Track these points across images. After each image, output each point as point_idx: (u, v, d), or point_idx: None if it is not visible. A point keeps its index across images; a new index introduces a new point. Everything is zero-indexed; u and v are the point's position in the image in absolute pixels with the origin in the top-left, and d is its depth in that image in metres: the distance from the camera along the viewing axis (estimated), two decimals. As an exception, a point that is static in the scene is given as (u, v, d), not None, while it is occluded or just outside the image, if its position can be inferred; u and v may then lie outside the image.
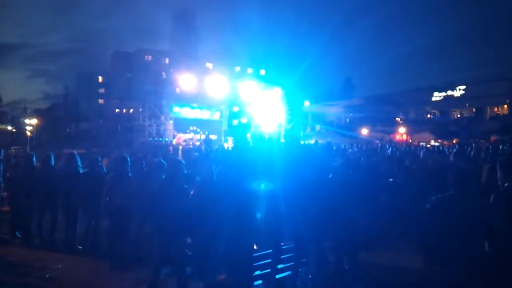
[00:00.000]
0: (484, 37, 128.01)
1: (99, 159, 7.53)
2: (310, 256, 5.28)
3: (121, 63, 72.91)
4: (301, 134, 33.01)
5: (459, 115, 49.58)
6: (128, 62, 71.65)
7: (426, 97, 51.81)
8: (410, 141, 37.00)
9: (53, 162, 7.52)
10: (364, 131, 40.19)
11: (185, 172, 5.92)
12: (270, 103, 29.40)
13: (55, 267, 5.97)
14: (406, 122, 46.42)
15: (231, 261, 4.53)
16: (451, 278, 3.26)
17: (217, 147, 19.47)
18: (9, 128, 54.85)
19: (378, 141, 24.41)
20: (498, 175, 3.73)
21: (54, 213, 7.34)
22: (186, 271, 5.04)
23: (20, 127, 51.90)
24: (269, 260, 4.98)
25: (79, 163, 7.39)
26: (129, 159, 6.92)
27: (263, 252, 5.03)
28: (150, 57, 70.96)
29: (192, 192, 5.19)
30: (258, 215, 5.04)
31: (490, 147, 14.52)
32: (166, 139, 28.21)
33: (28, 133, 47.05)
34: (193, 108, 29.65)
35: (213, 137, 28.72)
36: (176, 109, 28.84)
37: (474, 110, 47.94)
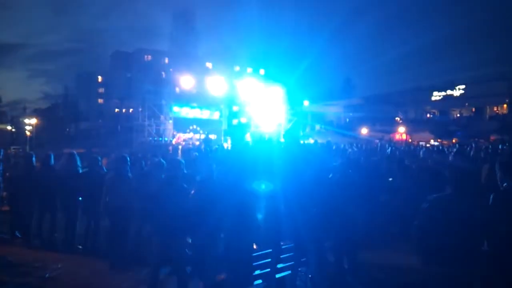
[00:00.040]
0: (483, 36, 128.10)
1: (99, 159, 7.53)
2: (310, 255, 5.28)
3: (121, 63, 72.82)
4: (301, 133, 33.02)
5: (458, 115, 49.59)
6: (128, 62, 71.56)
7: (426, 96, 51.84)
8: (410, 140, 37.00)
9: (52, 161, 7.52)
10: (364, 131, 40.20)
11: (185, 172, 5.93)
12: (270, 102, 29.41)
13: (55, 266, 5.97)
14: (406, 122, 46.44)
15: (231, 261, 4.53)
16: (450, 278, 3.26)
17: (216, 146, 19.46)
18: (9, 128, 54.85)
19: (377, 141, 24.40)
20: (497, 175, 3.73)
21: (53, 213, 7.34)
22: (186, 271, 5.04)
23: (20, 127, 51.90)
24: (269, 260, 4.98)
25: (79, 163, 7.39)
26: (128, 159, 6.93)
27: (262, 252, 5.03)
28: (149, 57, 70.88)
29: (192, 192, 5.19)
30: (258, 215, 5.04)
31: (490, 146, 14.53)
32: (166, 139, 28.22)
33: (28, 133, 47.06)
34: (192, 107, 29.66)
35: (212, 136, 28.73)
36: (175, 108, 28.84)
37: (473, 109, 47.96)
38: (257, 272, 4.84)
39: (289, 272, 5.16)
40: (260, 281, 4.85)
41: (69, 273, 5.85)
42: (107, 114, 65.48)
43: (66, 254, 6.74)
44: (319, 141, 16.48)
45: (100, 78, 76.55)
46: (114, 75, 73.07)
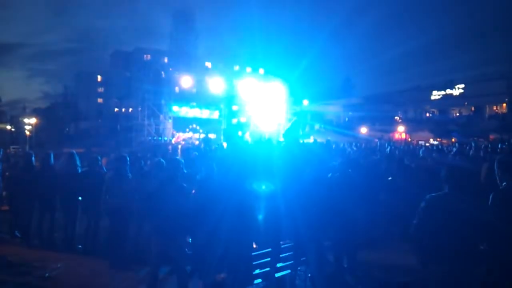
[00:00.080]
0: (483, 36, 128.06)
1: (99, 158, 7.53)
2: (310, 255, 5.28)
3: (120, 62, 72.76)
4: (300, 133, 32.99)
5: (458, 114, 49.64)
6: (127, 62, 71.43)
7: (425, 96, 51.92)
8: (409, 139, 37.04)
9: (52, 161, 7.52)
10: (363, 130, 40.25)
11: (185, 171, 5.93)
12: (270, 101, 29.41)
13: (55, 266, 5.97)
14: (405, 121, 46.50)
15: (231, 260, 4.54)
16: (449, 277, 3.27)
17: (215, 146, 19.46)
18: (8, 127, 54.89)
19: (377, 140, 24.42)
20: (497, 174, 3.74)
21: (53, 212, 7.34)
22: (186, 270, 5.04)
23: (19, 127, 51.90)
24: (269, 259, 4.98)
25: (78, 162, 7.39)
26: (128, 158, 6.93)
27: (262, 251, 5.04)
28: (149, 56, 70.76)
29: (193, 191, 5.19)
30: (258, 215, 5.04)
31: (489, 145, 14.53)
32: (165, 138, 28.24)
33: (27, 133, 47.06)
34: (192, 107, 29.66)
35: (212, 136, 28.73)
36: (175, 108, 28.85)
37: (473, 108, 48.02)
38: (257, 271, 4.84)
39: (288, 271, 5.16)
40: (259, 280, 4.86)
41: (68, 273, 5.85)
42: (106, 114, 65.44)
43: (65, 253, 6.74)
44: (319, 140, 16.48)
45: (99, 78, 76.42)
46: (114, 75, 72.99)
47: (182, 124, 30.68)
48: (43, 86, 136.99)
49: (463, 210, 3.27)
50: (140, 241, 6.29)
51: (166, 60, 68.73)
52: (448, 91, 49.96)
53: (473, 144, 15.07)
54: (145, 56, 71.10)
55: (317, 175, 5.67)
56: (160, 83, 29.26)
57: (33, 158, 7.63)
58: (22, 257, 6.44)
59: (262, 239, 5.21)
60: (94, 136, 47.60)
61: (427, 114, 53.29)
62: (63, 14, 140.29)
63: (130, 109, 52.13)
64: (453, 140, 31.56)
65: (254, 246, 5.15)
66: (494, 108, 46.43)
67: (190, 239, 5.61)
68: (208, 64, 64.17)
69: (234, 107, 30.24)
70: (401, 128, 39.63)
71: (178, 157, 8.25)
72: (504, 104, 44.43)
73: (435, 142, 32.26)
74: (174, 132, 29.83)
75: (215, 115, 30.66)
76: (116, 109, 66.51)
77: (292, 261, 5.21)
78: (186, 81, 26.99)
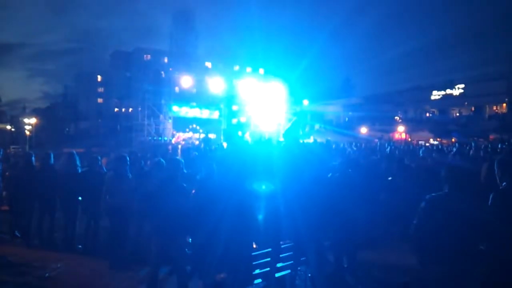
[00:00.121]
0: (483, 36, 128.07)
1: (99, 158, 7.53)
2: (310, 255, 5.28)
3: (120, 63, 72.70)
4: (300, 133, 33.02)
5: (458, 114, 49.64)
6: (127, 62, 71.41)
7: (425, 96, 51.90)
8: (409, 140, 37.04)
9: (52, 161, 7.52)
10: (363, 130, 40.26)
11: (185, 171, 5.93)
12: (270, 101, 29.41)
13: (55, 266, 5.98)
14: (405, 121, 46.50)
15: (231, 260, 4.54)
16: (449, 277, 3.27)
17: (215, 146, 19.45)
18: (8, 127, 54.89)
19: (377, 140, 24.44)
20: (497, 174, 3.73)
21: (53, 212, 7.34)
22: (186, 270, 5.04)
23: (19, 127, 51.88)
24: (269, 259, 4.98)
25: (78, 162, 7.39)
26: (128, 158, 6.92)
27: (262, 251, 5.04)
28: (149, 56, 70.78)
29: (193, 191, 5.19)
30: (259, 215, 5.05)
31: (489, 145, 14.53)
32: (165, 138, 28.24)
33: (27, 133, 47.04)
34: (192, 107, 29.67)
35: (212, 136, 28.75)
36: (175, 108, 28.85)
37: (473, 108, 48.01)
38: (257, 271, 4.84)
39: (288, 271, 5.16)
40: (259, 280, 4.86)
41: (68, 273, 5.85)
42: (106, 114, 65.45)
43: (65, 253, 6.74)
44: (318, 140, 16.49)
45: (99, 78, 76.41)
46: (114, 75, 72.96)
47: (182, 124, 30.71)
48: (43, 86, 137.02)
49: (463, 210, 3.27)
50: (140, 241, 6.29)
51: (166, 60, 68.76)
52: (448, 91, 49.94)
53: (473, 144, 15.07)
54: (145, 56, 71.09)
55: (317, 175, 5.67)
56: (160, 83, 29.28)
57: (33, 158, 7.63)
58: (22, 257, 6.45)
59: (262, 239, 5.21)
60: (94, 136, 47.58)
61: (427, 114, 53.27)
62: (63, 14, 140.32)
63: (130, 109, 52.16)
64: (453, 140, 31.58)
65: (254, 246, 5.15)
66: (494, 108, 46.41)
67: (190, 239, 5.60)
68: (208, 64, 64.18)
69: (234, 107, 30.26)
70: (401, 128, 39.64)
71: (178, 157, 8.25)
72: (504, 104, 44.41)
73: (435, 142, 32.27)
74: (174, 132, 29.84)
75: (215, 115, 30.67)
76: (116, 109, 66.55)
77: (292, 261, 5.21)
78: (186, 81, 27.00)
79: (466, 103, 48.00)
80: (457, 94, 49.00)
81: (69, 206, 7.14)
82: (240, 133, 21.95)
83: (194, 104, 29.63)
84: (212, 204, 4.49)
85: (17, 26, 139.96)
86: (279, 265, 5.07)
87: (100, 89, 76.03)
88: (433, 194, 3.54)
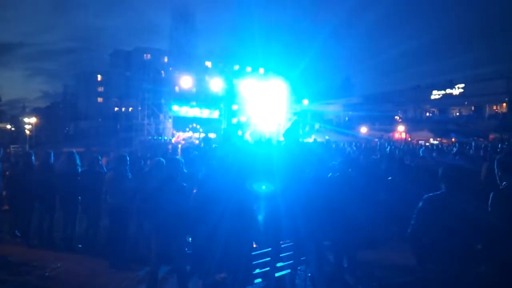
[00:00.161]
0: (483, 35, 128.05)
1: (99, 158, 7.53)
2: (310, 254, 5.28)
3: (120, 62, 72.59)
4: (300, 132, 32.97)
5: (458, 114, 49.66)
6: (127, 61, 71.29)
7: (425, 95, 51.93)
8: (409, 139, 37.06)
9: (52, 160, 7.51)
10: (363, 130, 40.27)
11: (185, 171, 5.93)
12: (270, 101, 29.40)
13: (55, 265, 5.98)
14: (405, 121, 46.54)
15: (231, 259, 4.54)
16: (448, 277, 3.27)
17: (214, 145, 19.43)
18: (8, 127, 54.85)
19: (377, 140, 24.45)
20: (496, 173, 3.73)
21: (53, 211, 7.34)
22: (186, 270, 5.04)
23: (19, 126, 51.88)
24: (269, 259, 4.98)
25: (78, 162, 7.38)
26: (128, 158, 6.93)
27: (262, 251, 5.04)
28: (149, 56, 70.70)
29: (194, 190, 5.19)
30: (258, 215, 5.05)
31: (489, 145, 14.53)
32: (165, 138, 28.23)
33: (27, 132, 47.00)
34: (192, 106, 29.67)
35: (212, 135, 28.74)
36: (175, 107, 28.85)
37: (473, 108, 48.04)
38: (257, 270, 4.84)
39: (288, 271, 5.16)
40: (259, 279, 4.86)
41: (68, 272, 5.85)
42: (106, 113, 65.36)
43: (65, 253, 6.75)
44: (318, 139, 16.48)
45: (99, 77, 76.35)
46: (114, 74, 72.88)
47: (182, 123, 30.72)
48: (43, 86, 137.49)
49: (461, 209, 3.26)
50: (140, 241, 6.29)
51: (166, 59, 68.65)
52: (448, 90, 49.97)
53: (473, 144, 15.07)
54: (145, 55, 71.02)
55: (317, 175, 5.67)
56: (160, 83, 29.28)
57: (33, 158, 7.63)
58: (22, 256, 6.45)
59: (262, 239, 5.22)
60: (94, 135, 47.64)
61: (427, 114, 53.32)
62: (63, 13, 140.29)
63: (130, 109, 52.14)
64: (453, 140, 31.60)
65: (254, 245, 5.15)
66: (494, 108, 46.45)
67: (190, 239, 5.61)
68: (208, 64, 63.98)
69: (234, 107, 30.26)
70: (401, 128, 39.64)
71: (178, 157, 8.24)
72: (504, 104, 44.43)
73: (435, 142, 32.28)
74: (174, 132, 29.85)
75: (215, 114, 30.67)
76: (116, 109, 66.47)
77: (292, 261, 5.21)
78: (186, 81, 26.99)
79: (466, 102, 48.03)
80: (457, 93, 49.04)
81: (69, 206, 7.14)
82: (240, 132, 21.93)
83: (194, 103, 29.63)
84: (212, 204, 4.49)
85: (16, 25, 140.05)
86: (279, 264, 5.07)
87: (100, 89, 75.97)
88: (430, 194, 3.53)
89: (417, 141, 33.86)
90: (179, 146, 22.31)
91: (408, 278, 4.79)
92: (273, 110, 29.59)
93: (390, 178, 7.38)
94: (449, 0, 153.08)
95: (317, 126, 45.33)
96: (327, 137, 18.73)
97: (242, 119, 30.01)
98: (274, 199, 5.15)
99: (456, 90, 49.16)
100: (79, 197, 7.14)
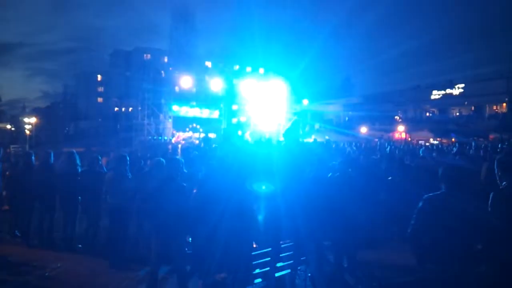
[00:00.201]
0: (483, 35, 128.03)
1: (99, 158, 7.53)
2: (310, 254, 5.28)
3: (120, 62, 72.57)
4: (300, 132, 32.96)
5: (458, 114, 49.66)
6: (127, 61, 71.27)
7: (425, 95, 51.94)
8: (409, 139, 37.06)
9: (52, 160, 7.51)
10: (363, 130, 40.28)
11: (185, 171, 5.93)
12: (270, 101, 29.40)
13: (55, 265, 5.98)
14: (405, 121, 46.54)
15: (231, 259, 4.54)
16: (448, 277, 3.27)
17: (214, 145, 19.43)
18: (8, 127, 54.85)
19: (377, 140, 24.45)
20: (496, 173, 3.73)
21: (53, 211, 7.34)
22: (186, 270, 5.04)
23: (19, 126, 51.89)
24: (269, 259, 4.98)
25: (78, 162, 7.38)
26: (128, 158, 6.93)
27: (262, 251, 5.04)
28: (149, 56, 70.70)
29: (194, 190, 5.19)
30: (258, 215, 5.05)
31: (489, 145, 14.53)
32: (165, 138, 28.23)
33: (27, 132, 47.00)
34: (192, 106, 29.67)
35: (212, 135, 28.74)
36: (175, 107, 28.86)
37: (473, 108, 48.05)
38: (257, 270, 4.84)
39: (288, 271, 5.16)
40: (259, 279, 4.86)
41: (68, 272, 5.85)
42: (106, 113, 65.36)
43: (65, 253, 6.75)
44: (318, 139, 16.49)
45: (99, 77, 76.34)
46: (114, 74, 72.86)
47: (182, 123, 30.71)
48: (43, 86, 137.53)
49: (461, 209, 3.26)
50: (140, 241, 6.29)
51: (166, 59, 68.65)
52: (448, 90, 49.97)
53: (473, 144, 15.07)
54: (145, 55, 71.01)
55: (317, 175, 5.67)
56: (160, 83, 29.28)
57: (33, 158, 7.63)
58: (22, 256, 6.45)
59: (262, 239, 5.22)
60: (94, 135, 47.64)
61: (427, 114, 53.33)
62: (63, 13, 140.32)
63: (130, 109, 52.15)
64: (453, 139, 31.60)
65: (254, 245, 5.15)
66: (494, 108, 46.45)
67: (190, 239, 5.61)
68: (208, 64, 63.98)
69: (234, 107, 30.25)
70: (401, 128, 39.65)
71: (178, 157, 8.25)
72: (504, 104, 44.43)
73: (435, 142, 32.29)
74: (174, 132, 29.85)
75: (215, 114, 30.67)
76: (116, 109, 66.47)
77: (292, 261, 5.21)
78: (186, 81, 26.99)
79: (466, 102, 48.04)
80: (457, 93, 49.04)
81: (69, 206, 7.14)
82: (240, 132, 21.94)
83: (194, 103, 29.63)
84: (212, 204, 4.49)
85: (16, 25, 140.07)
86: (279, 264, 5.07)
87: (100, 89, 75.96)
88: (430, 194, 3.53)
89: (417, 141, 33.87)
90: (179, 146, 22.32)
91: (408, 278, 4.79)
92: (273, 110, 29.58)
93: (390, 178, 7.38)
94: (449, 0, 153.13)
95: (317, 126, 45.32)
96: (327, 137, 18.75)
97: (242, 119, 30.01)
98: (274, 199, 5.15)
99: (456, 90, 49.17)
100: (79, 197, 7.14)
